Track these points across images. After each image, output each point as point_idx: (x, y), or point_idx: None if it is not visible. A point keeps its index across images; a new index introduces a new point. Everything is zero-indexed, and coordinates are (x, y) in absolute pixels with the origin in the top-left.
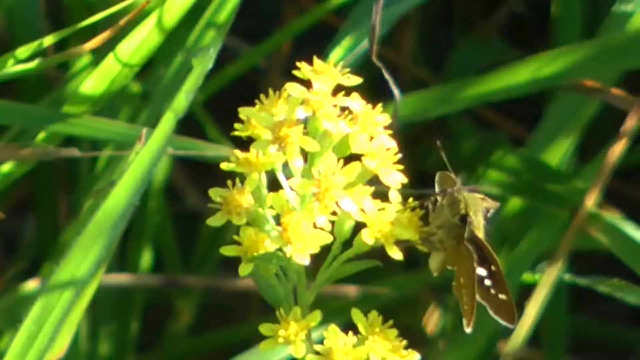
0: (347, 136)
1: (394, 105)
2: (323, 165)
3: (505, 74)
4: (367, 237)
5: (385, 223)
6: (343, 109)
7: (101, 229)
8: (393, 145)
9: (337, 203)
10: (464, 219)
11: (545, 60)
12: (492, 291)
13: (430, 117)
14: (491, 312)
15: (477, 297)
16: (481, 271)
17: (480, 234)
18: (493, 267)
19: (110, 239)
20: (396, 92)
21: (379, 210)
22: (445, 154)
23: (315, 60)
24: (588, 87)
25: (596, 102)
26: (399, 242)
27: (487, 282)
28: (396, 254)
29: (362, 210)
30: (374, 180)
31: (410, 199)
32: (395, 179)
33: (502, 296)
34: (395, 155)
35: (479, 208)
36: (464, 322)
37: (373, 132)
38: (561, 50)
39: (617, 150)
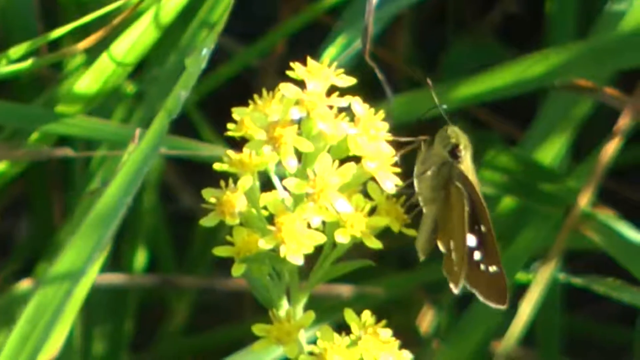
0: (344, 138)
1: (387, 105)
2: (318, 166)
3: (498, 73)
4: (341, 237)
5: (361, 219)
6: (338, 109)
7: (95, 228)
8: (390, 149)
9: (331, 204)
10: (455, 151)
11: (537, 59)
12: (482, 266)
13: (424, 117)
14: (481, 298)
15: (467, 284)
16: (471, 240)
17: (471, 177)
18: (483, 228)
19: (104, 238)
20: (389, 92)
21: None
22: None
23: (309, 60)
24: (581, 86)
25: (589, 102)
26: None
27: (477, 254)
28: (374, 243)
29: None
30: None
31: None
32: (392, 182)
33: (492, 268)
34: (392, 158)
35: (469, 147)
36: (452, 285)
37: (375, 135)
38: (554, 50)
39: (611, 149)
